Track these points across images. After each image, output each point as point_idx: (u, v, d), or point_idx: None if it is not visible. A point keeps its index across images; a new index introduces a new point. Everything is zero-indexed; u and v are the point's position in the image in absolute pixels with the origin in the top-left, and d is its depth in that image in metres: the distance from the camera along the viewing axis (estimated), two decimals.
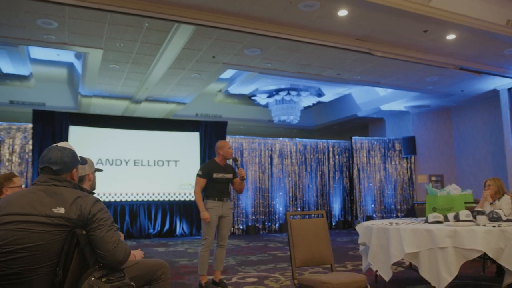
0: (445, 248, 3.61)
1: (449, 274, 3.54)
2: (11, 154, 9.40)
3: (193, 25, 6.82)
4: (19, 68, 9.85)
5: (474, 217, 4.08)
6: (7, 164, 9.31)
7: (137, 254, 2.78)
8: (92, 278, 1.97)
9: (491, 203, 4.96)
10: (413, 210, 8.00)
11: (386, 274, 4.07)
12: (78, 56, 9.07)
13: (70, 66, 10.17)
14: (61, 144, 2.28)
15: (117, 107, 11.70)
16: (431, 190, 4.70)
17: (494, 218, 4.09)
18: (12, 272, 1.90)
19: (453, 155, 12.84)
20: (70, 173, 2.21)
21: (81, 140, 9.90)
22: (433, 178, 12.77)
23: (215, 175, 4.82)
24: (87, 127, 10.18)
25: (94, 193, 2.70)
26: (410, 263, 4.74)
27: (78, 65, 9.55)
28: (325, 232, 3.59)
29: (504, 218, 4.17)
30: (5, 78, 10.24)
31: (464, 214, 4.09)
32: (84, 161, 2.70)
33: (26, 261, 1.90)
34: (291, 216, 3.56)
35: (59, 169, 2.15)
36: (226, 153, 4.91)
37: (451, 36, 7.57)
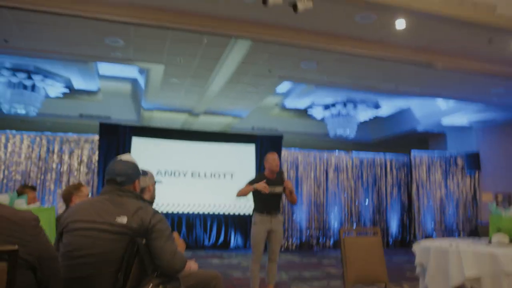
0: None
1: None
2: (79, 164, 10.02)
3: (250, 39, 6.96)
4: (88, 83, 10.49)
5: None
6: (75, 173, 9.92)
7: (192, 265, 2.93)
8: (150, 285, 2.06)
9: None
10: (476, 231, 7.60)
11: None
12: (141, 71, 9.50)
13: (134, 81, 10.68)
14: (124, 157, 2.44)
15: (177, 120, 12.10)
16: (495, 209, 4.44)
17: None
18: (80, 275, 2.04)
19: None
20: (133, 184, 2.36)
21: (142, 151, 10.35)
22: (500, 197, 12.02)
23: (272, 188, 4.79)
24: (149, 138, 10.64)
25: (152, 204, 2.83)
26: None
27: (141, 80, 10.00)
28: (380, 250, 3.53)
29: None
30: (76, 93, 10.95)
31: None
32: (145, 173, 2.84)
33: (92, 265, 2.05)
34: (345, 233, 3.52)
35: (123, 181, 2.30)
36: (270, 165, 4.85)
37: None
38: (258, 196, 4.80)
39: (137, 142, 10.43)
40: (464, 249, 3.78)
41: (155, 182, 3.00)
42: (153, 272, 2.13)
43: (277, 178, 4.88)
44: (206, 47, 7.41)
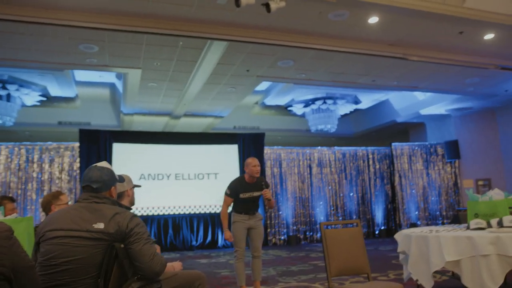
0: (488, 256, 3.48)
1: (493, 283, 3.42)
2: (60, 172, 9.92)
3: (226, 41, 6.99)
4: (65, 90, 10.40)
5: None
6: (57, 181, 9.82)
7: (176, 266, 2.91)
8: None
9: None
10: (458, 217, 7.75)
11: (427, 283, 3.95)
12: (119, 76, 9.46)
13: (112, 86, 10.62)
14: (100, 164, 2.45)
15: (158, 123, 12.08)
16: (472, 195, 4.51)
17: None
18: (59, 283, 2.05)
19: (500, 157, 12.30)
20: (109, 190, 2.38)
21: (124, 156, 10.30)
22: (480, 183, 12.29)
23: (241, 196, 4.84)
24: (130, 143, 10.57)
25: (131, 209, 2.84)
26: (453, 272, 4.61)
27: (119, 85, 9.95)
28: (361, 241, 3.56)
29: None
30: (53, 100, 10.84)
31: (508, 219, 3.88)
32: (121, 179, 2.85)
33: (70, 273, 2.06)
34: (326, 226, 3.57)
35: (99, 187, 2.32)
36: (251, 171, 4.84)
37: (489, 36, 7.32)
38: (237, 199, 4.86)
39: (118, 147, 10.35)
40: (444, 235, 3.86)
41: (133, 187, 3.01)
42: (133, 276, 2.15)
43: (257, 183, 4.90)
44: (182, 50, 7.43)
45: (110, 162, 10.02)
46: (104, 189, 2.34)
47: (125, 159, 10.25)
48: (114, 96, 11.14)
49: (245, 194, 4.85)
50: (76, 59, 7.60)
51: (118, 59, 7.71)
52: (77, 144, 10.06)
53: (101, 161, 2.52)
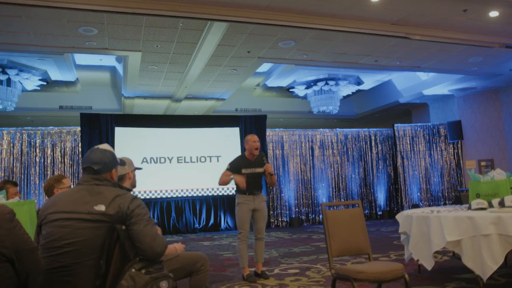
0: (489, 236, 3.48)
1: (494, 262, 3.43)
2: (63, 156, 9.93)
3: (226, 22, 6.91)
4: (66, 74, 10.35)
5: None
6: (60, 166, 9.85)
7: (178, 247, 2.92)
8: (133, 270, 2.09)
9: None
10: (460, 198, 7.75)
11: (428, 263, 3.98)
12: (119, 59, 9.39)
13: (112, 69, 10.56)
14: (102, 146, 2.44)
15: (159, 107, 12.04)
16: (473, 175, 4.47)
17: None
18: (61, 265, 2.06)
19: (503, 138, 12.23)
20: (110, 172, 2.37)
21: (126, 140, 10.28)
22: (483, 163, 12.24)
23: (243, 171, 4.82)
24: (131, 127, 10.51)
25: (132, 191, 2.85)
26: (454, 252, 4.62)
27: (119, 68, 9.90)
28: (361, 221, 3.55)
29: None
30: (54, 85, 10.80)
31: (509, 199, 3.88)
32: (123, 162, 2.84)
33: (72, 255, 2.06)
34: (327, 207, 3.57)
35: (100, 169, 2.30)
36: (251, 147, 4.88)
37: (494, 13, 7.18)
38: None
39: (120, 131, 10.31)
40: (445, 215, 3.86)
41: (135, 169, 3.00)
42: (135, 257, 2.16)
43: (257, 159, 4.92)
44: (182, 31, 7.36)
45: (112, 146, 9.94)
46: (105, 171, 2.33)
47: (127, 142, 10.22)
48: (115, 80, 11.09)
49: (247, 169, 4.83)
50: (75, 42, 7.55)
51: (117, 41, 7.65)
52: (78, 129, 10.03)
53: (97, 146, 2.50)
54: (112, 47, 7.90)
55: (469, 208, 4.17)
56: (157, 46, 7.95)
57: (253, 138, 4.94)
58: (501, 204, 3.92)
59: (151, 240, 2.17)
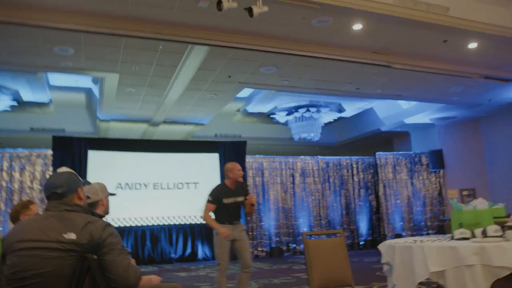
0: (473, 266, 3.41)
1: None
2: (31, 181, 9.51)
3: (207, 45, 6.84)
4: (38, 95, 10.04)
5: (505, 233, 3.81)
6: (28, 191, 9.41)
7: (153, 279, 2.80)
8: None
9: None
10: (442, 227, 7.66)
11: None
12: (95, 81, 9.20)
13: (88, 91, 10.32)
14: (60, 169, 2.35)
15: (136, 130, 11.77)
16: (456, 205, 4.48)
17: None
18: None
19: (484, 167, 12.29)
20: (76, 193, 2.23)
21: (100, 164, 9.96)
22: (465, 193, 12.25)
23: (225, 201, 4.67)
24: (106, 151, 10.23)
25: (103, 217, 2.78)
26: (438, 283, 4.49)
27: (95, 90, 9.68)
28: (344, 251, 3.48)
29: None
30: (25, 105, 10.45)
31: (492, 229, 3.83)
32: (87, 182, 2.79)
33: (39, 286, 1.95)
34: (309, 236, 3.41)
35: (65, 192, 2.18)
36: (236, 175, 4.74)
37: (472, 45, 7.33)
38: (219, 207, 4.66)
39: (94, 155, 10.01)
40: (428, 245, 3.78)
41: (108, 195, 2.95)
42: None
43: (238, 188, 4.79)
44: (162, 54, 7.27)
45: (85, 170, 9.70)
46: (70, 192, 2.20)
47: (101, 167, 9.90)
48: (90, 102, 10.83)
49: (228, 199, 4.69)
50: (50, 61, 7.35)
51: (94, 62, 7.48)
52: (50, 152, 9.69)
53: (76, 169, 2.36)
54: (89, 68, 7.72)
55: (452, 238, 4.09)
56: (135, 68, 7.81)
57: (237, 166, 4.82)
58: (484, 234, 3.84)
59: (124, 271, 2.08)
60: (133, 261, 2.49)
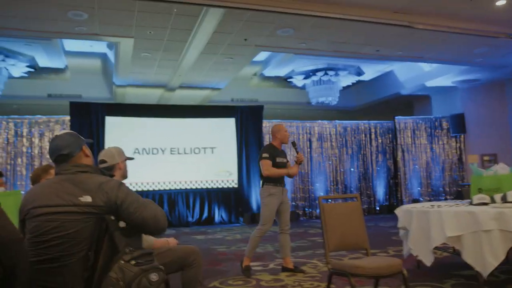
0: (490, 231, 3.41)
1: (495, 259, 3.36)
2: None
3: (222, 7, 6.68)
4: (54, 61, 10.07)
5: None
6: (47, 156, 9.59)
7: (170, 241, 2.90)
8: (122, 262, 2.00)
9: None
10: (461, 193, 7.57)
11: (428, 259, 3.93)
12: (110, 46, 9.15)
13: (103, 56, 10.30)
14: (60, 132, 2.34)
15: (152, 96, 11.78)
16: (476, 170, 4.47)
17: None
18: (49, 257, 2.00)
19: (508, 132, 11.95)
20: (81, 151, 2.24)
21: (117, 130, 10.02)
22: (486, 158, 11.98)
23: (278, 159, 4.74)
24: (123, 117, 10.25)
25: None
26: (454, 248, 4.48)
27: (111, 55, 9.65)
28: (359, 216, 3.46)
29: None
30: (42, 72, 10.51)
31: None
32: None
33: (61, 247, 2.00)
34: (325, 200, 3.41)
35: (71, 152, 2.18)
36: (284, 136, 4.83)
37: (501, 2, 6.99)
38: (273, 166, 4.72)
39: (111, 121, 10.05)
40: (445, 210, 3.78)
41: (126, 159, 2.93)
42: (125, 248, 2.05)
43: (283, 150, 4.93)
44: (176, 17, 7.14)
45: (102, 136, 9.80)
46: (75, 152, 2.19)
47: (118, 133, 9.96)
48: (106, 67, 10.82)
49: (279, 158, 4.76)
50: (64, 27, 7.29)
51: (109, 27, 7.41)
52: (67, 118, 9.77)
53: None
54: (103, 33, 7.65)
55: (471, 203, 4.10)
56: (150, 32, 7.72)
57: (284, 128, 4.90)
58: (504, 199, 3.86)
59: (155, 223, 2.16)
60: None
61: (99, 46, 9.49)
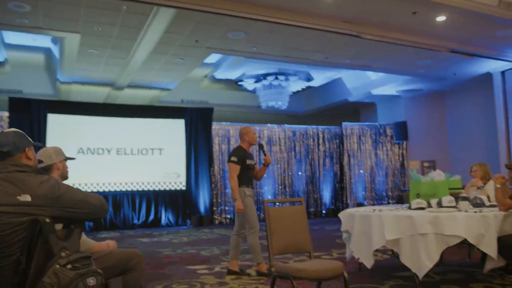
0: (426, 235, 3.55)
1: (429, 261, 3.50)
2: None
3: (173, 7, 6.60)
4: None
5: (458, 203, 3.96)
6: None
7: (110, 244, 2.78)
8: (57, 266, 1.89)
9: (478, 188, 4.81)
10: (402, 197, 7.88)
11: (368, 261, 4.03)
12: (55, 41, 8.79)
13: (47, 51, 9.86)
14: (8, 130, 2.22)
15: (99, 94, 11.41)
16: (415, 176, 4.65)
17: (477, 204, 4.02)
18: None
19: (446, 140, 12.64)
20: (24, 153, 2.12)
21: (60, 128, 9.61)
22: (426, 164, 12.58)
23: (248, 162, 4.72)
24: (67, 114, 9.85)
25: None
26: (393, 250, 4.66)
27: (55, 50, 9.25)
28: (304, 219, 3.52)
29: (487, 204, 4.09)
30: None
31: (447, 200, 4.05)
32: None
33: None
34: (271, 204, 3.42)
35: (11, 150, 2.06)
36: (252, 139, 4.84)
37: (441, 18, 7.37)
38: (242, 169, 4.68)
39: (54, 118, 9.62)
40: (386, 214, 3.90)
41: (65, 159, 2.78)
42: (60, 252, 1.95)
43: (250, 152, 4.96)
44: (126, 15, 6.99)
45: (44, 134, 9.35)
46: (16, 151, 2.07)
47: (61, 131, 9.56)
48: (50, 63, 10.36)
49: (249, 160, 4.76)
50: (4, 18, 6.93)
51: (53, 21, 7.12)
52: (6, 114, 9.26)
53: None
54: (47, 27, 7.34)
55: (410, 207, 4.26)
56: (98, 28, 7.50)
57: (253, 130, 4.94)
58: (439, 204, 4.05)
59: (101, 204, 2.19)
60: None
61: (43, 40, 9.08)
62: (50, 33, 7.72)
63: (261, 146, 4.96)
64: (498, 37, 8.22)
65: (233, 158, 4.67)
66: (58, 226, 2.05)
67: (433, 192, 4.31)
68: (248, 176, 4.75)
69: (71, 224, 2.13)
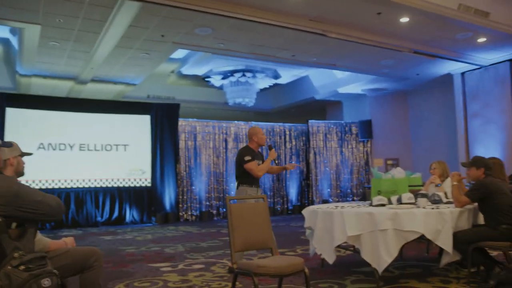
0: (386, 231, 3.64)
1: (388, 256, 3.58)
2: None
3: (138, 1, 6.47)
4: None
5: (417, 200, 4.07)
6: None
7: (68, 241, 2.72)
8: (9, 267, 1.88)
9: (436, 185, 4.96)
10: (365, 194, 8.04)
11: (330, 257, 4.10)
12: (13, 31, 8.46)
13: (5, 42, 9.49)
14: None
15: (61, 88, 11.07)
16: (376, 173, 4.78)
17: (435, 200, 4.16)
18: None
19: (409, 138, 13.00)
20: None
21: (19, 123, 9.26)
22: (389, 162, 12.88)
23: (257, 162, 4.69)
24: (27, 109, 9.49)
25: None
26: (354, 246, 4.74)
27: (14, 41, 8.92)
28: (266, 216, 3.52)
29: (445, 200, 4.24)
30: None
31: (406, 197, 4.17)
32: (9, 144, 2.53)
33: None
34: (234, 201, 3.43)
35: None
36: (261, 139, 4.78)
37: (404, 19, 7.53)
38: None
39: (12, 112, 9.25)
40: (347, 211, 3.97)
41: (21, 155, 2.66)
42: (13, 252, 1.94)
43: (260, 152, 4.90)
44: (89, 7, 6.82)
45: (2, 129, 8.97)
46: None
47: (21, 126, 9.21)
48: (8, 54, 9.99)
49: (258, 161, 4.71)
50: None
51: (11, 11, 6.86)
52: None
53: None
54: (5, 17, 7.07)
55: (371, 204, 4.36)
56: (59, 20, 7.27)
57: (261, 131, 4.86)
58: (399, 201, 4.16)
59: (58, 205, 2.21)
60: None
61: (1, 31, 8.72)
62: (8, 23, 7.44)
63: (270, 147, 4.88)
64: (458, 39, 8.49)
65: (247, 158, 4.60)
66: (13, 225, 2.00)
67: (394, 189, 4.43)
68: (252, 177, 4.68)
69: (25, 223, 2.07)
